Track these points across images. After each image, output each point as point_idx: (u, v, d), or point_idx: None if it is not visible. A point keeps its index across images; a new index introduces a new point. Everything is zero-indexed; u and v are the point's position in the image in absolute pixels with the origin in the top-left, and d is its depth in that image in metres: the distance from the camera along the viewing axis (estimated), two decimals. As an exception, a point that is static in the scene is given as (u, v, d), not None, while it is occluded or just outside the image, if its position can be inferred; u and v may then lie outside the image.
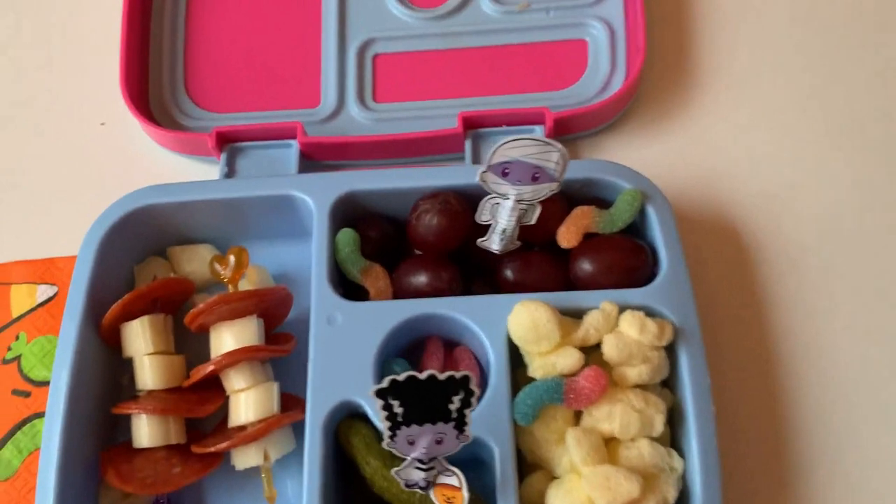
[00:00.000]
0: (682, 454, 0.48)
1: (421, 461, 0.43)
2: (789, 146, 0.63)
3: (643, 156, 0.63)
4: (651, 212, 0.53)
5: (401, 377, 0.38)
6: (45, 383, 0.58)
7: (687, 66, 0.67)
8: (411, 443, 0.42)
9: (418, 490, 0.45)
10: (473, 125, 0.62)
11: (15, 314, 0.61)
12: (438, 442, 0.42)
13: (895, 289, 0.58)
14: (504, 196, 0.49)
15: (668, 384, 0.51)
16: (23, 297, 0.62)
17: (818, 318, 0.57)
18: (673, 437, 0.50)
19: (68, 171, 0.67)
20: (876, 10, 0.67)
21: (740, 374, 0.55)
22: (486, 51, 0.68)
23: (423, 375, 0.39)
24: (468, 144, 0.62)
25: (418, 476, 0.44)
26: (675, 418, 0.50)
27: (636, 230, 0.55)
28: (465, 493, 0.44)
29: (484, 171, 0.47)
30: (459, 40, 0.68)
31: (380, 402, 0.39)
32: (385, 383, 0.39)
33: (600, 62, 0.66)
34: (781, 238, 0.60)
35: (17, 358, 0.60)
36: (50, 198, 0.66)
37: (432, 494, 0.45)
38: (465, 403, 0.40)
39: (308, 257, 0.59)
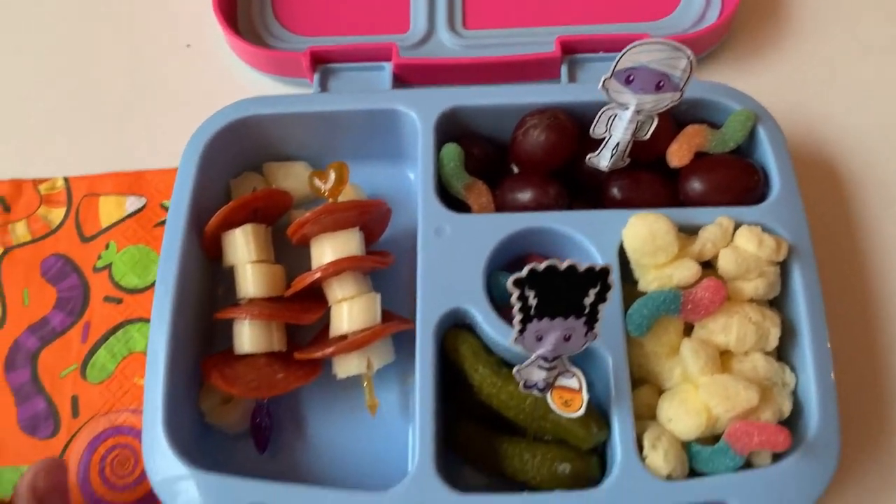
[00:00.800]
0: (793, 371, 0.48)
1: (545, 359, 0.43)
2: (884, 86, 0.62)
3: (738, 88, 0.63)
4: (762, 133, 0.53)
5: (540, 266, 0.38)
6: (136, 290, 0.59)
7: (781, 5, 0.66)
8: (539, 338, 0.41)
9: (535, 392, 0.45)
10: (571, 50, 0.62)
11: (104, 224, 0.62)
12: (566, 339, 0.41)
13: None
14: (623, 106, 0.48)
15: (776, 304, 0.50)
16: (112, 208, 0.62)
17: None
18: (782, 356, 0.49)
19: (158, 89, 0.67)
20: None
21: (846, 306, 0.55)
22: (580, -22, 0.67)
23: (562, 265, 0.38)
24: (564, 70, 0.61)
25: (539, 376, 0.44)
26: (785, 337, 0.49)
27: (743, 153, 0.54)
28: (585, 395, 0.44)
29: (608, 78, 0.47)
30: (555, -33, 0.67)
31: (516, 292, 0.39)
32: (524, 273, 0.38)
33: (693, -2, 0.65)
34: (879, 172, 0.60)
35: (108, 266, 0.60)
36: (139, 114, 0.66)
37: (549, 397, 0.45)
38: (601, 298, 0.40)
39: (402, 179, 0.60)
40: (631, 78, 0.47)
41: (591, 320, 0.41)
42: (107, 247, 0.61)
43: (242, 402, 0.53)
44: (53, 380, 0.57)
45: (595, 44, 0.61)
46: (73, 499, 0.53)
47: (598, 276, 0.39)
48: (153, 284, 0.59)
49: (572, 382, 0.44)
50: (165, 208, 0.62)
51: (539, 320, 0.41)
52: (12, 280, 0.60)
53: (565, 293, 0.40)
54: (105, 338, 0.58)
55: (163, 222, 0.60)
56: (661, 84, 0.47)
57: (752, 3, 0.66)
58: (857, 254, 0.57)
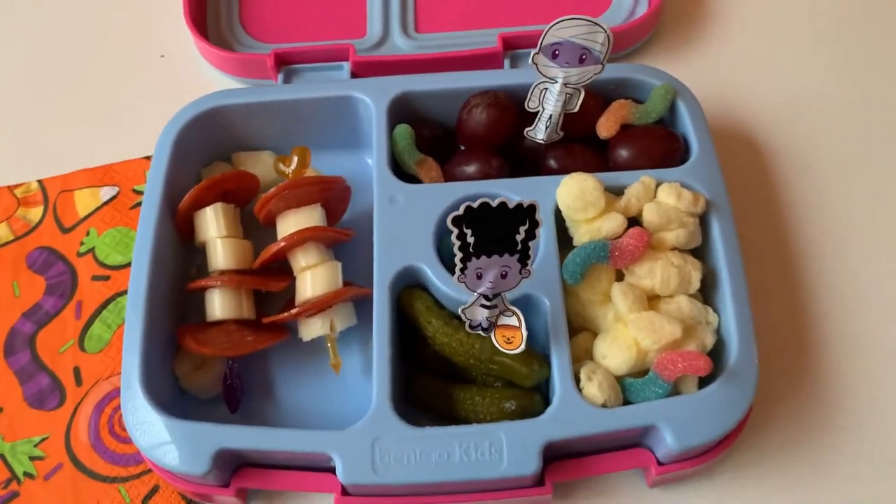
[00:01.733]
0: (716, 312, 0.53)
1: (486, 297, 0.47)
2: (802, 64, 0.69)
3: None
4: (681, 105, 0.59)
5: (475, 204, 0.43)
6: (122, 266, 0.64)
7: (705, 2, 0.73)
8: (479, 277, 0.46)
9: (480, 332, 0.50)
10: (512, 46, 0.68)
11: (82, 214, 0.66)
12: (503, 276, 0.46)
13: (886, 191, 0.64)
14: (552, 80, 0.54)
15: (700, 255, 0.55)
16: (87, 200, 0.67)
17: (831, 210, 0.63)
18: (707, 300, 0.54)
19: (128, 91, 0.72)
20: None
21: (762, 258, 0.61)
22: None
23: (494, 202, 0.43)
24: (507, 64, 0.67)
25: (482, 315, 0.49)
26: (707, 284, 0.54)
27: (666, 125, 0.60)
28: (524, 331, 0.49)
29: (536, 53, 0.53)
30: (496, -26, 0.74)
31: (455, 231, 0.44)
32: (461, 210, 0.43)
33: (624, -6, 0.72)
34: (797, 142, 0.66)
35: (91, 249, 0.65)
36: (109, 113, 0.71)
37: (493, 336, 0.50)
38: (530, 235, 0.45)
39: (361, 164, 0.65)
40: (556, 52, 0.53)
41: (524, 257, 0.46)
42: (87, 233, 0.65)
43: (214, 368, 0.57)
44: (53, 356, 0.61)
45: (533, 39, 0.66)
46: (89, 457, 0.57)
47: (526, 213, 0.44)
48: (136, 260, 0.64)
49: (512, 321, 0.49)
50: (138, 192, 0.67)
51: (478, 258, 0.45)
52: (1, 277, 0.64)
53: (499, 231, 0.45)
54: (98, 311, 0.62)
55: (138, 204, 0.65)
56: (584, 57, 0.53)
57: (677, 2, 0.73)
58: (773, 210, 0.63)
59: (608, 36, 0.52)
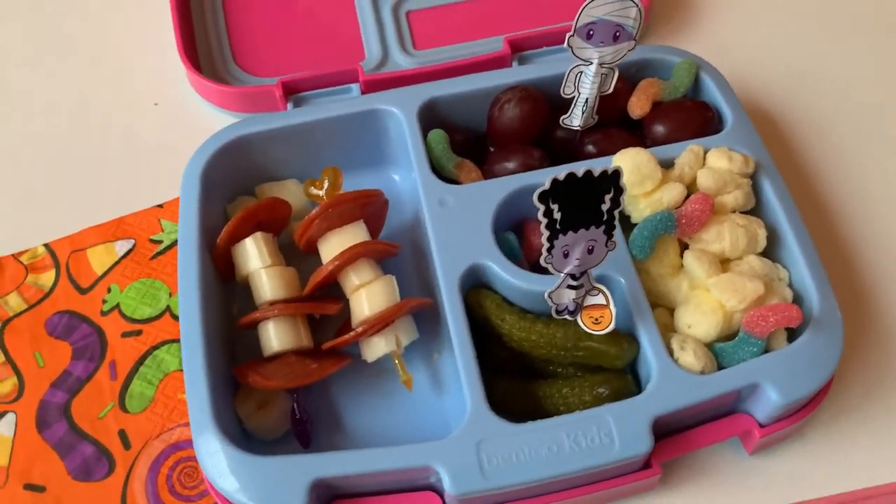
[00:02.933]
0: (787, 268, 0.53)
1: (573, 276, 0.46)
2: (799, 34, 0.72)
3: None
4: (705, 77, 0.60)
5: (560, 175, 0.42)
6: (152, 318, 0.60)
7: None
8: (566, 255, 0.45)
9: (567, 316, 0.48)
10: (519, 48, 0.68)
11: (99, 272, 0.62)
12: (590, 251, 0.45)
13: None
14: (587, 62, 0.54)
15: (755, 216, 0.56)
16: (102, 256, 0.63)
17: (851, 171, 0.65)
18: (772, 258, 0.54)
19: (127, 143, 0.69)
20: None
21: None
22: (502, -1, 0.75)
23: (580, 172, 0.42)
24: (515, 65, 0.67)
25: (568, 297, 0.47)
26: (769, 242, 0.54)
27: (693, 98, 0.61)
28: (613, 308, 0.47)
29: (571, 36, 0.53)
30: (482, -10, 0.75)
31: (542, 208, 0.43)
32: (547, 185, 0.42)
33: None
34: (804, 107, 0.68)
35: (116, 306, 0.61)
36: (110, 168, 0.68)
37: (580, 319, 0.48)
38: (615, 203, 0.44)
39: (388, 181, 0.64)
40: (591, 32, 0.53)
41: (609, 227, 0.45)
42: (109, 290, 0.61)
43: (278, 404, 0.54)
44: (94, 423, 0.56)
45: (540, 39, 0.68)
46: None
47: (611, 180, 0.43)
48: (167, 309, 0.60)
49: (599, 299, 0.48)
50: (156, 242, 0.63)
51: (564, 235, 0.44)
52: (20, 349, 0.60)
53: (584, 202, 0.44)
54: (135, 369, 0.58)
55: (158, 254, 0.63)
56: (618, 35, 0.53)
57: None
58: (798, 174, 0.64)
59: (640, 10, 0.52)
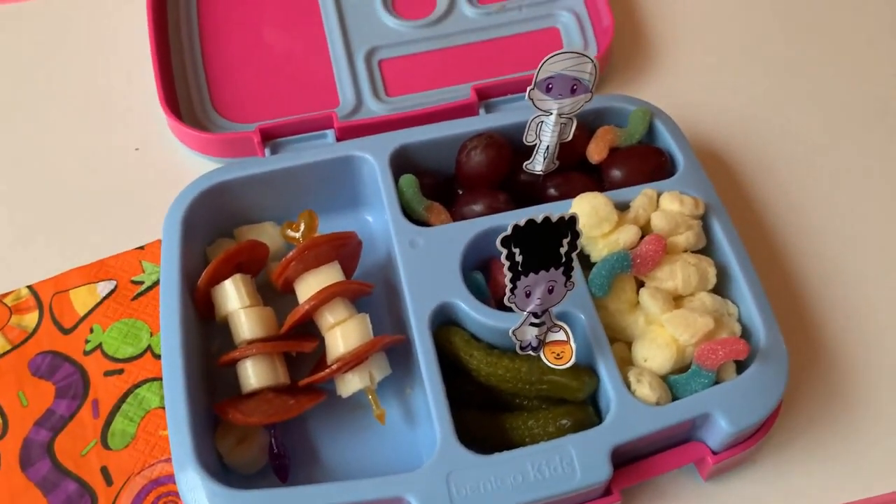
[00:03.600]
0: (734, 303, 0.57)
1: (535, 315, 0.49)
2: (747, 86, 0.77)
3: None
4: (658, 124, 0.64)
5: (521, 221, 0.45)
6: (133, 358, 0.63)
7: (649, 38, 0.80)
8: (528, 295, 0.48)
9: (531, 352, 0.51)
10: (485, 95, 0.72)
11: (81, 312, 0.64)
12: (550, 291, 0.48)
13: (846, 175, 0.71)
14: (547, 112, 0.58)
15: (706, 254, 0.59)
16: (84, 297, 0.65)
17: (793, 206, 0.69)
18: (721, 295, 0.58)
19: (108, 187, 0.72)
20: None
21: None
22: (473, 47, 0.78)
23: (539, 217, 0.46)
24: (482, 112, 0.71)
25: (531, 334, 0.50)
26: (719, 280, 0.58)
27: (648, 144, 0.65)
28: (573, 344, 0.51)
29: (531, 89, 0.56)
30: (449, 41, 0.79)
31: (504, 251, 0.46)
32: (509, 230, 0.46)
33: (573, 42, 0.78)
34: (751, 148, 0.72)
35: (98, 346, 0.63)
36: (91, 211, 0.70)
37: (542, 354, 0.51)
38: (573, 246, 0.47)
39: (362, 223, 0.67)
40: (550, 86, 0.57)
41: (568, 269, 0.48)
42: (91, 330, 0.63)
43: (256, 440, 0.56)
44: (76, 460, 0.58)
45: (505, 87, 0.72)
46: None
47: (568, 225, 0.47)
48: (148, 349, 0.62)
49: (560, 336, 0.51)
50: (137, 283, 0.66)
51: (525, 276, 0.47)
52: (4, 389, 0.61)
53: (544, 246, 0.47)
54: (117, 406, 0.60)
55: (139, 294, 0.65)
56: (575, 87, 0.57)
57: (623, 42, 0.79)
58: (743, 211, 0.68)
59: (595, 65, 0.56)
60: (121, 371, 0.62)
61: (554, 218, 0.46)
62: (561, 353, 0.51)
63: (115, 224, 0.69)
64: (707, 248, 0.59)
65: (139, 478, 0.57)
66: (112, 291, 0.66)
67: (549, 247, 0.47)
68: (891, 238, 0.67)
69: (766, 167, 0.71)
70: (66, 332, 0.64)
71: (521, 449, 0.50)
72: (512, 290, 0.48)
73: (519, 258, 0.47)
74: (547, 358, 0.51)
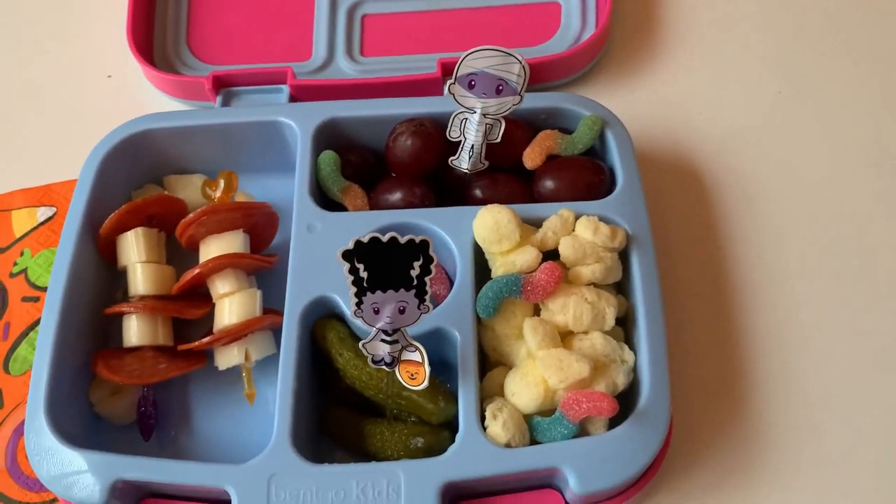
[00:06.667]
0: (634, 351, 0.52)
1: (386, 333, 0.46)
2: (745, 95, 0.68)
3: (611, 104, 0.67)
4: (609, 136, 0.58)
5: (364, 238, 0.42)
6: (51, 288, 0.63)
7: (652, 25, 0.72)
8: (376, 311, 0.45)
9: (384, 367, 0.49)
10: (451, 72, 0.66)
11: (17, 234, 0.66)
12: (401, 311, 0.45)
13: (832, 220, 0.62)
14: (471, 110, 0.53)
15: (622, 290, 0.54)
16: (24, 220, 0.67)
17: (767, 246, 0.61)
18: (627, 337, 0.53)
19: (70, 111, 0.72)
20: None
21: (693, 293, 0.59)
22: (466, 12, 0.73)
23: (385, 237, 0.42)
24: (446, 90, 0.66)
25: (384, 350, 0.48)
26: (628, 322, 0.53)
27: (596, 156, 0.59)
28: (427, 367, 0.48)
29: (452, 83, 0.52)
30: (442, 3, 0.73)
31: (346, 266, 0.43)
32: (350, 244, 0.43)
33: (572, 21, 0.71)
34: (738, 177, 0.64)
35: (24, 270, 0.64)
36: (49, 133, 0.71)
37: (397, 372, 0.49)
38: (425, 270, 0.44)
39: (292, 189, 0.64)
40: (473, 83, 0.52)
41: (421, 293, 0.45)
42: (21, 254, 0.65)
43: (130, 395, 0.56)
44: None
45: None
46: (4, 482, 0.57)
47: (419, 249, 0.43)
48: (68, 281, 0.63)
49: (415, 356, 0.48)
50: (76, 214, 0.66)
51: (373, 293, 0.45)
52: (-71, 298, 0.64)
53: (393, 266, 0.44)
54: (25, 333, 0.62)
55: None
56: (501, 88, 0.52)
57: (626, 26, 0.72)
58: (711, 241, 0.62)
59: (524, 67, 0.51)
60: (37, 299, 0.63)
61: (402, 240, 0.43)
62: (415, 374, 0.48)
63: (70, 150, 0.69)
64: (624, 282, 0.54)
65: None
66: (49, 218, 0.67)
67: (399, 267, 0.44)
68: (842, 312, 0.59)
69: (739, 199, 0.63)
70: (0, 251, 0.66)
71: (353, 465, 0.48)
72: (358, 305, 0.45)
73: (364, 274, 0.44)
74: (402, 376, 0.49)
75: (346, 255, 0.43)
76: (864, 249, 0.61)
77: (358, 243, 0.42)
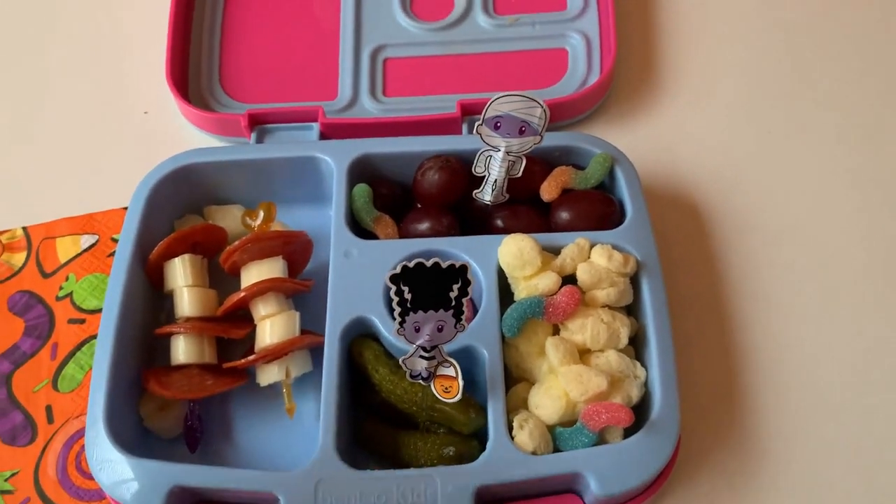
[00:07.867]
0: (645, 368, 0.57)
1: (424, 349, 0.51)
2: (738, 134, 0.74)
3: (614, 142, 0.73)
4: (619, 172, 0.63)
5: (410, 263, 0.47)
6: (96, 310, 0.67)
7: (653, 70, 0.78)
8: (417, 329, 0.50)
9: (420, 381, 0.53)
10: (469, 112, 0.72)
11: (62, 260, 0.71)
12: (440, 329, 0.50)
13: (819, 247, 0.69)
14: (496, 148, 0.59)
15: (633, 312, 0.59)
16: (68, 247, 0.71)
17: (762, 272, 0.67)
18: (638, 355, 0.58)
19: (112, 145, 0.77)
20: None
21: (697, 314, 0.65)
22: (480, 57, 0.79)
23: (429, 262, 0.47)
24: (464, 128, 0.72)
25: (421, 365, 0.52)
26: (639, 341, 0.58)
27: (606, 190, 0.65)
28: (461, 382, 0.52)
29: (479, 124, 0.57)
30: (458, 48, 0.79)
31: (393, 288, 0.48)
32: (398, 269, 0.48)
33: (578, 66, 0.77)
34: (734, 208, 0.70)
35: (69, 294, 0.69)
36: (91, 165, 0.76)
37: (432, 386, 0.53)
38: (463, 292, 0.49)
39: (326, 220, 0.69)
40: (498, 124, 0.57)
41: (458, 313, 0.50)
42: (67, 279, 0.69)
43: (176, 409, 0.61)
44: (28, 395, 0.64)
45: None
46: (55, 492, 0.60)
47: (458, 273, 0.48)
48: (110, 304, 0.68)
49: (450, 371, 0.53)
50: (116, 241, 0.70)
51: (415, 313, 0.49)
52: (-19, 318, 0.68)
53: (434, 288, 0.49)
54: (72, 353, 0.66)
55: (115, 252, 0.69)
56: (523, 129, 0.57)
57: (630, 71, 0.78)
58: (710, 270, 0.67)
59: (544, 110, 0.56)
60: (83, 321, 0.68)
61: (444, 265, 0.48)
62: (449, 388, 0.53)
63: (111, 181, 0.75)
64: (635, 305, 0.59)
65: (76, 421, 0.63)
66: (92, 245, 0.71)
67: (439, 289, 0.49)
68: (845, 336, 0.64)
69: (739, 231, 0.69)
70: (46, 275, 0.70)
71: (393, 471, 0.53)
72: (401, 324, 0.50)
73: (408, 296, 0.49)
74: (436, 390, 0.53)
75: (393, 279, 0.48)
76: (850, 272, 0.67)
77: (404, 268, 0.47)
